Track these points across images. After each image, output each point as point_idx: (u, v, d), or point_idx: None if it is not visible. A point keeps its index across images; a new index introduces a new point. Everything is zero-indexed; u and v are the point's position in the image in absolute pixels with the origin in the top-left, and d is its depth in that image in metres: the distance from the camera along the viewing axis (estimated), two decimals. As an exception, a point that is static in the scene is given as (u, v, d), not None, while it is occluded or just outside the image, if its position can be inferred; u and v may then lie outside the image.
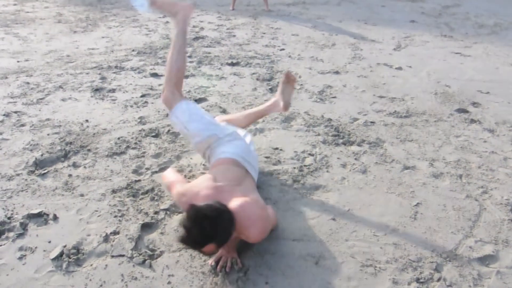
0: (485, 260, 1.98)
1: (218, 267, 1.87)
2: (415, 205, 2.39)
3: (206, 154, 2.41)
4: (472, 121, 3.59)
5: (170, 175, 2.38)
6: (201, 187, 1.94)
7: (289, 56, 5.40)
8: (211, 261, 1.91)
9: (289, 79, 2.59)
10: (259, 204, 1.93)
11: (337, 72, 4.83)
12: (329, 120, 3.52)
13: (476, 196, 2.48)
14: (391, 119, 3.58)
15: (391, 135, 3.28)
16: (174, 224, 2.18)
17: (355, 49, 5.89)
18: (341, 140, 3.16)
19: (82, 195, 2.39)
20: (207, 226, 1.60)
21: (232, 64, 4.95)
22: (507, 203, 2.42)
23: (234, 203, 1.79)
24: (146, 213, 2.26)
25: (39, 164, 2.65)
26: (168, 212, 2.27)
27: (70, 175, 2.56)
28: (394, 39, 6.59)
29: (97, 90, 3.94)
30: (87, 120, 3.31)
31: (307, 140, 3.15)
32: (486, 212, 2.34)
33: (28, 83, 4.03)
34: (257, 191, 2.20)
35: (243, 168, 2.21)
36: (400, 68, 5.06)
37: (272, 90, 4.17)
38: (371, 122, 3.51)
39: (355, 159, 2.91)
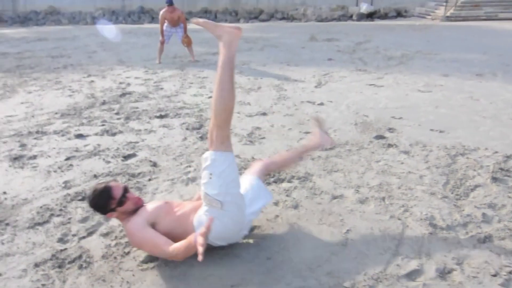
0: (411, 275, 2.09)
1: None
2: (345, 232, 2.49)
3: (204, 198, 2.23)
4: (390, 145, 3.86)
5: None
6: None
7: (217, 103, 5.52)
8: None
9: (319, 121, 3.02)
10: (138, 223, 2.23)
11: (264, 114, 5.01)
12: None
13: (398, 215, 2.63)
14: (317, 153, 3.74)
15: (318, 168, 3.42)
16: (104, 290, 2.06)
17: (280, 90, 6.18)
18: (272, 179, 3.24)
19: (0, 275, 2.20)
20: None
21: (161, 117, 4.96)
22: (426, 217, 2.59)
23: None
24: (74, 283, 2.12)
25: None
26: (99, 281, 2.15)
27: (-15, 255, 2.36)
28: (315, 77, 7.02)
29: (15, 158, 3.73)
30: (4, 192, 3.10)
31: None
32: (408, 229, 2.49)
33: None
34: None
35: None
36: (322, 104, 5.37)
37: (202, 138, 4.21)
38: (299, 158, 3.64)
39: (287, 195, 2.99)
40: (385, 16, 20.03)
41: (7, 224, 2.67)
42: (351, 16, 20.01)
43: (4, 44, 12.64)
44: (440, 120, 4.63)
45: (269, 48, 10.63)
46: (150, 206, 2.37)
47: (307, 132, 4.30)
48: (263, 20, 21.08)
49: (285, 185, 3.16)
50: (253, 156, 3.69)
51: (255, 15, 21.95)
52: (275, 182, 3.20)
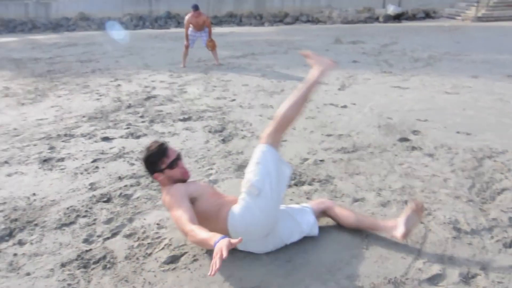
0: (433, 280, 2.04)
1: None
2: (366, 235, 2.45)
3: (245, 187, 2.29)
4: (413, 148, 3.79)
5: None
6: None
7: (240, 106, 5.57)
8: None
9: (418, 209, 2.33)
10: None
11: (286, 116, 5.00)
12: (280, 163, 3.60)
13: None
14: (339, 155, 3.72)
15: (340, 171, 3.39)
16: (126, 289, 2.11)
17: (303, 93, 6.15)
18: (292, 181, 3.23)
19: (28, 274, 2.28)
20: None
21: (184, 120, 5.03)
22: (449, 221, 2.53)
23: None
24: (98, 283, 2.18)
25: (-20, 246, 2.53)
26: (122, 281, 2.21)
27: (15, 254, 2.46)
28: (339, 80, 6.96)
29: (45, 161, 3.87)
30: (34, 194, 3.22)
31: (260, 185, 3.19)
32: (431, 233, 2.43)
33: (-29, 162, 3.91)
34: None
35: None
36: (345, 106, 5.32)
37: (224, 140, 4.25)
38: (321, 160, 3.63)
39: (307, 198, 2.97)
40: (413, 18, 19.66)
41: (36, 225, 2.77)
42: (377, 18, 19.74)
43: (37, 49, 13.14)
44: (467, 122, 4.50)
45: (293, 51, 10.61)
46: (198, 183, 2.54)
47: (329, 135, 4.27)
48: (288, 23, 21.06)
49: (306, 187, 3.14)
50: (274, 159, 3.69)
51: (280, 18, 21.96)
52: (296, 184, 3.19)
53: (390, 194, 2.94)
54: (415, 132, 4.23)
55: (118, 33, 16.30)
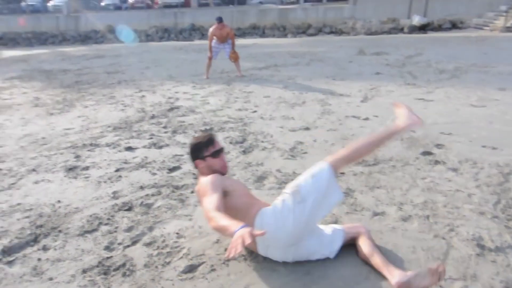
0: (455, 299, 1.98)
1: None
2: (386, 250, 2.41)
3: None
4: (437, 162, 3.71)
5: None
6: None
7: (261, 117, 5.60)
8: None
9: (435, 272, 1.99)
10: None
11: (307, 128, 5.00)
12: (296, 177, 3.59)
13: (443, 235, 2.52)
14: (360, 168, 3.68)
15: (360, 184, 3.35)
16: (144, 298, 2.14)
17: (324, 105, 6.14)
18: (312, 194, 3.21)
19: (51, 279, 2.35)
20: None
21: (206, 131, 5.09)
22: (473, 238, 2.46)
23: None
24: (117, 290, 2.22)
25: (7, 251, 2.61)
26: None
27: (39, 259, 2.53)
28: (361, 92, 6.91)
29: (70, 169, 3.99)
30: (59, 201, 3.32)
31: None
32: (453, 249, 2.37)
33: (0, 169, 4.06)
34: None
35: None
36: (367, 119, 5.27)
37: (245, 152, 4.27)
38: (341, 173, 3.60)
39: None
40: (438, 28, 19.39)
41: (60, 231, 2.85)
42: (402, 29, 19.57)
43: (66, 61, 13.60)
44: (494, 136, 4.38)
45: (316, 63, 10.62)
46: (234, 179, 2.67)
47: (350, 147, 4.24)
48: (311, 35, 21.12)
49: (325, 200, 3.12)
50: (294, 171, 3.69)
51: (303, 30, 22.05)
52: (315, 197, 3.17)
53: (411, 208, 2.89)
54: (438, 145, 4.14)
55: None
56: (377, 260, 2.23)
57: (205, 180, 2.35)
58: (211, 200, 2.17)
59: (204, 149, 2.51)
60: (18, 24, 26.22)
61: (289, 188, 2.33)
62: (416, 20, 19.45)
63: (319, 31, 21.53)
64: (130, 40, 15.29)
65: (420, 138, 4.40)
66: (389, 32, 19.41)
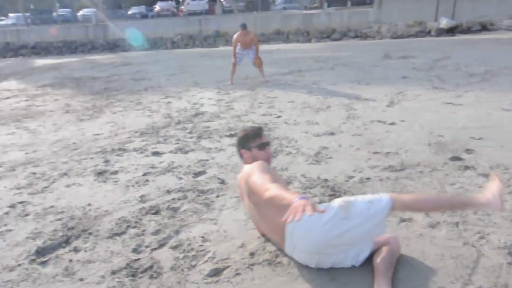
0: (486, 309, 1.92)
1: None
2: (412, 257, 2.36)
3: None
4: (466, 167, 3.62)
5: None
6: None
7: (286, 123, 5.60)
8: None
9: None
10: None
11: (332, 133, 4.97)
12: (325, 180, 3.58)
13: (473, 242, 2.45)
14: (386, 174, 3.63)
15: (386, 189, 3.31)
16: (170, 300, 2.17)
17: (349, 109, 6.09)
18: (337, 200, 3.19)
19: (81, 280, 2.42)
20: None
21: (231, 136, 5.14)
22: (504, 246, 2.39)
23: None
24: (144, 292, 2.27)
25: (40, 252, 2.71)
26: (165, 289, 2.28)
27: (70, 260, 2.61)
28: (387, 96, 6.82)
29: (100, 173, 4.10)
30: (89, 204, 3.42)
31: (304, 202, 3.18)
32: (484, 257, 2.30)
33: (34, 173, 4.22)
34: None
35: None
36: (393, 123, 5.19)
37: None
38: (367, 178, 3.56)
39: (352, 217, 2.91)
40: (467, 31, 18.92)
41: (90, 233, 2.93)
42: (429, 32, 19.21)
43: (95, 69, 14.01)
44: (527, 141, 4.24)
45: (340, 67, 10.56)
46: (276, 172, 2.81)
47: (375, 152, 4.19)
48: (336, 39, 21.00)
49: (350, 206, 3.09)
50: (318, 176, 3.67)
51: (327, 34, 21.96)
52: (340, 202, 3.15)
53: (439, 215, 2.82)
54: (468, 150, 4.04)
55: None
56: (376, 272, 2.17)
57: (254, 165, 2.43)
58: (265, 177, 2.26)
59: (251, 141, 2.60)
60: (49, 33, 27.21)
61: (340, 200, 2.28)
62: (444, 22, 19.06)
63: (344, 35, 21.38)
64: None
65: (448, 143, 4.31)
66: (416, 35, 19.08)
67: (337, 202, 2.27)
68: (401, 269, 2.27)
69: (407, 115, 5.56)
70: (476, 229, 2.60)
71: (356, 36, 20.98)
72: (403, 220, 2.80)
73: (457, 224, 2.68)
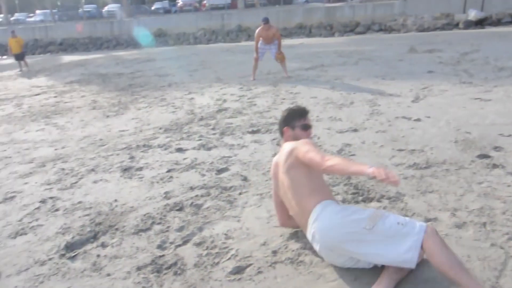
0: (515, 314, 1.88)
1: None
2: (438, 259, 2.33)
3: None
4: (495, 166, 3.52)
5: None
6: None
7: (308, 119, 5.56)
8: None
9: None
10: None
11: (355, 130, 4.92)
12: (348, 178, 3.55)
13: (501, 244, 2.40)
14: (411, 172, 3.57)
15: (411, 188, 3.26)
16: (194, 296, 2.21)
17: (373, 105, 6.01)
18: (360, 198, 3.17)
19: (108, 275, 2.49)
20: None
21: (253, 132, 5.15)
22: (534, 249, 2.32)
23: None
24: (169, 288, 2.32)
25: (69, 247, 2.80)
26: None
27: (98, 255, 2.69)
28: (412, 91, 6.68)
29: (125, 169, 4.19)
30: (116, 200, 3.51)
31: (326, 200, 3.17)
32: (512, 260, 2.24)
33: (63, 169, 4.36)
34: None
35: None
36: (418, 120, 5.09)
37: (291, 153, 4.28)
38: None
39: (375, 216, 2.89)
40: (497, 23, 18.27)
41: (117, 229, 3.01)
42: (457, 24, 18.65)
43: (120, 65, 14.26)
44: (560, 138, 4.08)
45: (364, 62, 10.40)
46: None
47: (400, 150, 4.12)
48: (359, 33, 20.67)
49: (374, 204, 3.06)
50: (341, 174, 3.65)
51: (351, 28, 21.63)
52: (363, 201, 3.12)
53: (466, 215, 2.77)
54: (497, 148, 3.92)
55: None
56: (384, 271, 2.14)
57: (301, 141, 2.45)
58: (318, 150, 2.30)
59: (297, 119, 2.61)
60: (76, 30, 27.83)
61: (373, 210, 2.22)
62: (472, 14, 18.47)
63: (368, 29, 21.01)
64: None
65: (476, 140, 4.20)
66: (443, 28, 18.57)
67: (370, 210, 2.24)
68: (426, 270, 2.24)
69: (433, 111, 5.44)
70: (504, 230, 2.54)
71: (380, 30, 20.59)
72: (428, 220, 2.76)
73: (484, 224, 2.62)
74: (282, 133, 2.70)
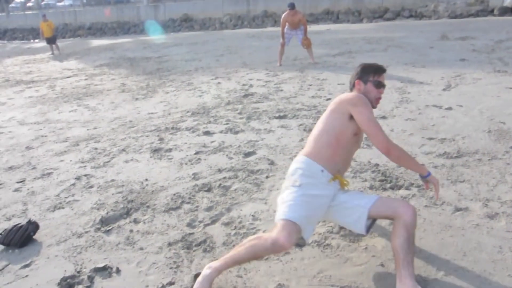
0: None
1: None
2: (467, 248, 2.31)
3: None
4: (530, 157, 3.43)
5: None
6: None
7: (335, 105, 5.52)
8: None
9: None
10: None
11: (384, 117, 4.86)
12: (376, 165, 3.54)
13: (535, 236, 2.35)
14: (441, 161, 3.52)
15: (441, 177, 3.22)
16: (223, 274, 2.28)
17: (402, 93, 5.90)
18: (388, 185, 3.16)
19: (141, 249, 2.59)
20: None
21: (280, 117, 5.16)
22: None
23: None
24: (199, 264, 2.39)
25: (104, 221, 2.92)
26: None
27: (131, 231, 2.80)
28: (444, 79, 6.52)
29: (155, 150, 4.29)
30: (146, 179, 3.61)
31: (354, 186, 3.18)
32: (547, 254, 2.20)
33: (96, 148, 4.50)
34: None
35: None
36: (450, 108, 4.98)
37: (318, 139, 4.28)
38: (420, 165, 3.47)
39: (404, 203, 2.88)
40: (535, 9, 17.45)
41: (148, 207, 3.11)
42: (492, 11, 17.91)
43: (148, 49, 14.42)
44: None
45: (393, 49, 10.17)
46: None
47: (430, 138, 4.06)
48: (388, 19, 20.15)
49: (402, 192, 3.05)
50: (369, 160, 3.63)
51: (380, 14, 21.09)
52: (391, 188, 3.11)
53: (499, 206, 2.72)
54: (532, 139, 3.82)
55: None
56: (396, 258, 2.05)
57: (363, 99, 2.34)
58: (381, 128, 2.29)
59: (371, 74, 2.47)
60: (104, 14, 28.22)
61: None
62: (508, 0, 17.68)
63: (397, 15, 20.44)
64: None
65: (510, 130, 4.08)
66: (477, 14, 17.88)
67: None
68: (456, 259, 2.24)
69: (465, 99, 5.31)
70: (538, 221, 2.49)
71: (410, 16, 19.99)
72: (458, 209, 2.73)
73: (517, 215, 2.58)
74: (352, 86, 2.55)
